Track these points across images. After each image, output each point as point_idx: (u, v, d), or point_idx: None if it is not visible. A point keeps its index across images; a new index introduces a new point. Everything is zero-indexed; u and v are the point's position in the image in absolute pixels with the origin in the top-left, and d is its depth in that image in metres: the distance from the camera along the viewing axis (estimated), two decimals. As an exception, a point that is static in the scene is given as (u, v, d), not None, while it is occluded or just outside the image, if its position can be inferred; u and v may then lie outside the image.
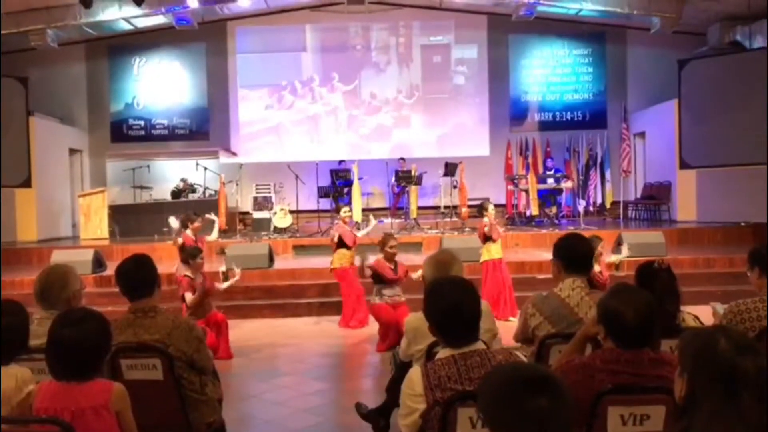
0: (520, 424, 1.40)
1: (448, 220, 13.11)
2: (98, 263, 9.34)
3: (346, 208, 8.32)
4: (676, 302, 3.00)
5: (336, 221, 7.83)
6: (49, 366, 2.34)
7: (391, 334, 6.43)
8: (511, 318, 7.50)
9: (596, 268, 5.53)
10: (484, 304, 3.26)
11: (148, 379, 3.01)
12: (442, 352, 2.32)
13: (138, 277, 3.10)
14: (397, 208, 13.99)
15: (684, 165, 13.15)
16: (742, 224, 11.69)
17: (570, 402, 1.43)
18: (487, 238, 7.83)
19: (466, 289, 2.36)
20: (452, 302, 2.29)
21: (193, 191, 13.76)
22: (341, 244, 7.72)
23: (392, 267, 6.65)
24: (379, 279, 6.62)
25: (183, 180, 13.92)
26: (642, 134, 15.09)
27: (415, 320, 3.21)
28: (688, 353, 1.61)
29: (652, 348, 2.37)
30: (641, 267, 3.18)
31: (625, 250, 6.85)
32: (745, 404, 1.51)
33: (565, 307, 3.18)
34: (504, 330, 4.11)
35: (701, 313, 3.24)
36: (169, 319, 3.09)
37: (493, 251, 7.86)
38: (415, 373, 2.27)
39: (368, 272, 6.74)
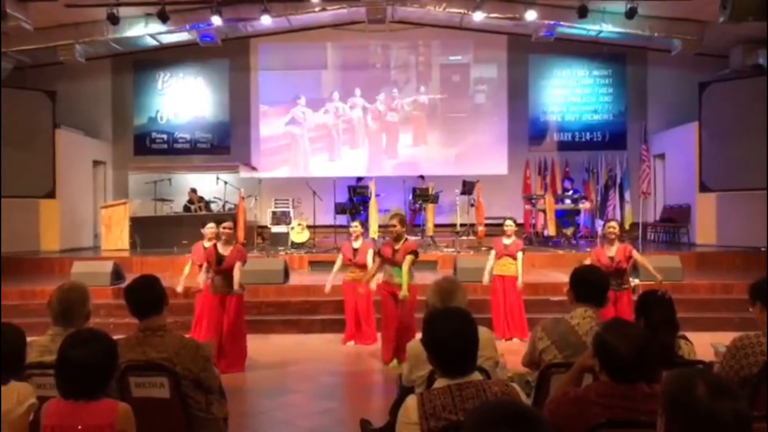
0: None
1: (464, 238, 13.11)
2: (117, 275, 9.45)
3: (355, 223, 8.24)
4: (673, 332, 3.01)
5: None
6: (57, 384, 2.41)
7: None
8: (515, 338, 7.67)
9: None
10: (485, 332, 3.29)
11: (155, 397, 3.08)
12: (439, 382, 2.35)
13: (146, 296, 3.19)
14: (414, 225, 14.02)
15: (704, 188, 13.05)
16: (762, 249, 11.52)
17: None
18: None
19: (463, 321, 2.38)
20: (448, 334, 2.32)
21: (207, 207, 13.80)
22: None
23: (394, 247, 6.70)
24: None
25: (192, 191, 14.00)
26: (662, 156, 14.99)
27: (417, 346, 3.24)
28: (666, 395, 1.62)
29: (649, 381, 2.39)
30: (644, 294, 3.22)
31: (639, 275, 6.90)
32: None
33: (573, 335, 3.22)
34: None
35: (721, 339, 3.19)
36: (176, 339, 3.17)
37: (512, 268, 7.89)
38: (411, 402, 2.30)
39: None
